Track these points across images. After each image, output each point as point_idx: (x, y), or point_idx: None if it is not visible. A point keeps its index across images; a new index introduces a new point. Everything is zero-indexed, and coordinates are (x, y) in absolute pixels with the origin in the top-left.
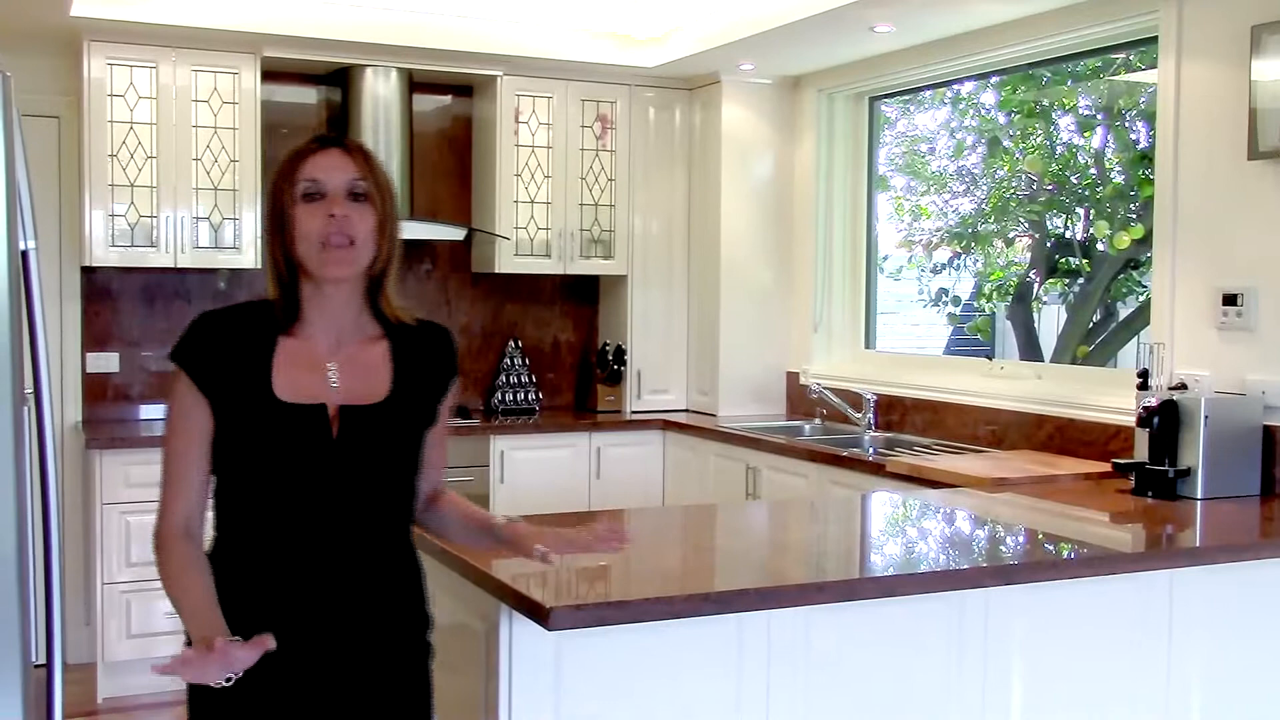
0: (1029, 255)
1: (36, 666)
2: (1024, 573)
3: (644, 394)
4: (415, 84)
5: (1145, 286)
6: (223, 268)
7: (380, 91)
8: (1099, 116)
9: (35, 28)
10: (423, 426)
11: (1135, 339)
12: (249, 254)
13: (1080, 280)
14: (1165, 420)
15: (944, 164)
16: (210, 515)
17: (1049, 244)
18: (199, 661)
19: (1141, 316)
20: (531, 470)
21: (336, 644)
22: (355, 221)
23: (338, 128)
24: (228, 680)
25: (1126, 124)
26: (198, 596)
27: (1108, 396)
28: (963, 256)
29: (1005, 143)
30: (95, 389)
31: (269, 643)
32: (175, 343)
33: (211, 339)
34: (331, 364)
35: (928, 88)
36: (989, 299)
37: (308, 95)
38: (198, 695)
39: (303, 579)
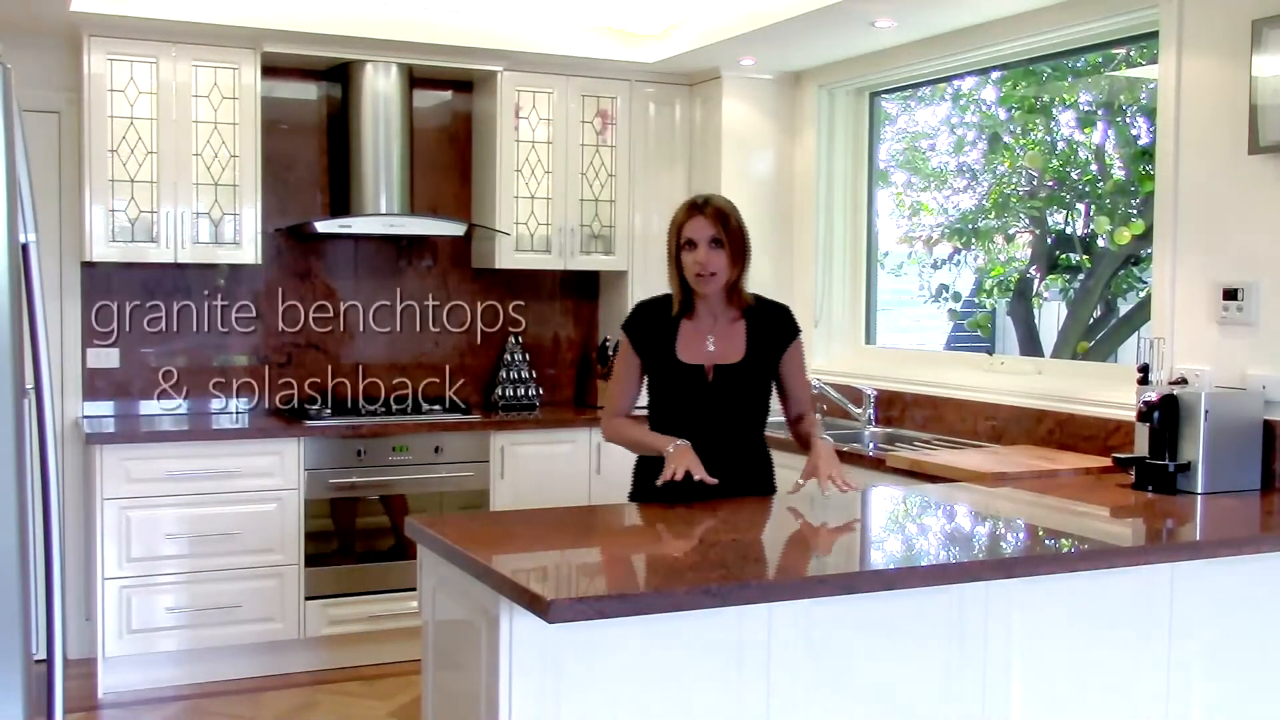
0: (1029, 251)
1: (37, 661)
2: (1024, 566)
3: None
4: (415, 79)
5: (1146, 282)
6: (223, 263)
7: (380, 87)
8: (1099, 112)
9: (36, 23)
10: (769, 373)
11: (1136, 334)
12: (249, 250)
13: (1081, 276)
14: (1165, 415)
15: (944, 160)
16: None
17: (1049, 240)
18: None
19: (1142, 312)
20: (532, 466)
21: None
22: (714, 260)
23: (338, 123)
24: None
25: (1127, 119)
26: (645, 431)
27: (1108, 391)
28: (963, 252)
29: (1006, 138)
30: (95, 384)
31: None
32: (625, 320)
33: (642, 321)
34: (710, 335)
35: (928, 83)
36: (989, 295)
37: (308, 91)
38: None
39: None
